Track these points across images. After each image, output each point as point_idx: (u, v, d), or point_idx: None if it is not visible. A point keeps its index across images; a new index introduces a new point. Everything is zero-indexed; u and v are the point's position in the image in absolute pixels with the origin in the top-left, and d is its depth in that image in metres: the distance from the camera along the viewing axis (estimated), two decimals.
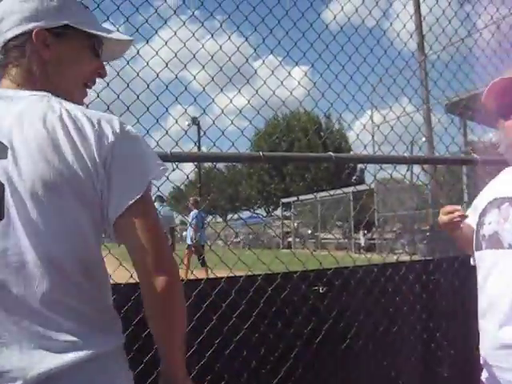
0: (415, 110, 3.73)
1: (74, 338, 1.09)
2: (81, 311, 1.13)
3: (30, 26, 1.21)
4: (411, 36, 3.19)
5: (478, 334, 1.76)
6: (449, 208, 1.82)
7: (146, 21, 2.54)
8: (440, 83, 3.36)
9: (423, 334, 2.98)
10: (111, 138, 1.14)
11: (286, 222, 35.01)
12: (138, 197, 1.13)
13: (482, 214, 1.74)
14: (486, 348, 1.65)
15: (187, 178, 2.50)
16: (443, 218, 1.83)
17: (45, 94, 1.19)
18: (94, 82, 1.36)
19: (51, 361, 1.06)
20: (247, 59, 2.63)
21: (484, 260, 1.69)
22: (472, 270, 1.88)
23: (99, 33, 1.30)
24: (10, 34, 1.22)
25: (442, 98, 3.90)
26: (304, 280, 2.72)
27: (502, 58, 3.56)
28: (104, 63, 1.38)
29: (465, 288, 2.40)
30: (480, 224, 1.73)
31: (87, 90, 1.35)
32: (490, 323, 1.61)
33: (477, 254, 1.74)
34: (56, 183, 1.09)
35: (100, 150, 1.12)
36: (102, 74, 1.37)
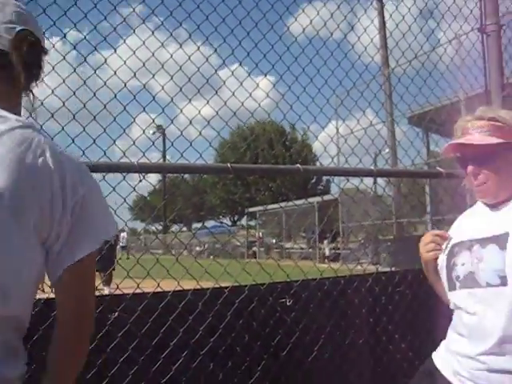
0: (380, 122, 3.78)
1: None
2: None
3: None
4: (379, 50, 3.22)
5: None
6: (429, 238, 1.91)
7: (114, 29, 2.51)
8: (404, 96, 3.42)
9: (389, 346, 3.00)
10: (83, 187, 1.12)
11: (250, 231, 35.03)
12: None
13: (451, 257, 1.84)
14: (470, 369, 1.72)
15: (154, 188, 2.47)
16: (425, 251, 1.93)
17: (28, 123, 1.11)
18: None
19: None
20: (216, 70, 2.63)
21: (460, 299, 1.78)
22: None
23: None
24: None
25: (405, 111, 3.96)
26: (271, 292, 2.71)
27: (464, 73, 3.66)
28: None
29: (430, 299, 2.42)
30: (451, 266, 1.83)
31: None
32: (475, 350, 1.70)
33: (451, 293, 1.83)
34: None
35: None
36: None
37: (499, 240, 1.72)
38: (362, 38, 3.26)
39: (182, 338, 2.43)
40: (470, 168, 1.81)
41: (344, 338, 2.88)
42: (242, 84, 2.69)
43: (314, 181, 44.51)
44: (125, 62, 2.36)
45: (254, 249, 30.92)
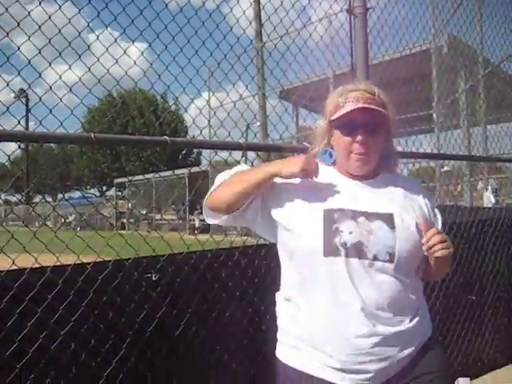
0: (250, 96, 3.80)
1: None
2: None
3: None
4: (250, 23, 3.20)
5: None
6: (314, 165, 1.81)
7: None
8: (275, 71, 3.44)
9: (255, 317, 3.05)
10: None
11: (120, 202, 34.31)
12: None
13: (331, 222, 1.77)
14: (347, 350, 1.72)
15: (9, 158, 2.30)
16: (300, 165, 1.77)
17: None
18: None
19: None
20: (80, 33, 2.45)
21: (342, 266, 1.74)
22: None
23: None
24: None
25: (276, 85, 4.01)
26: (136, 267, 2.64)
27: (332, 52, 3.77)
28: None
29: None
30: (333, 231, 1.75)
31: None
32: (358, 330, 1.71)
33: (330, 258, 1.75)
34: None
35: None
36: None
37: (385, 219, 1.77)
38: (236, 9, 3.22)
39: (40, 317, 2.29)
40: (360, 136, 1.81)
41: (211, 312, 2.88)
42: (107, 50, 2.55)
43: (184, 152, 44.31)
44: None
45: (123, 220, 30.32)
